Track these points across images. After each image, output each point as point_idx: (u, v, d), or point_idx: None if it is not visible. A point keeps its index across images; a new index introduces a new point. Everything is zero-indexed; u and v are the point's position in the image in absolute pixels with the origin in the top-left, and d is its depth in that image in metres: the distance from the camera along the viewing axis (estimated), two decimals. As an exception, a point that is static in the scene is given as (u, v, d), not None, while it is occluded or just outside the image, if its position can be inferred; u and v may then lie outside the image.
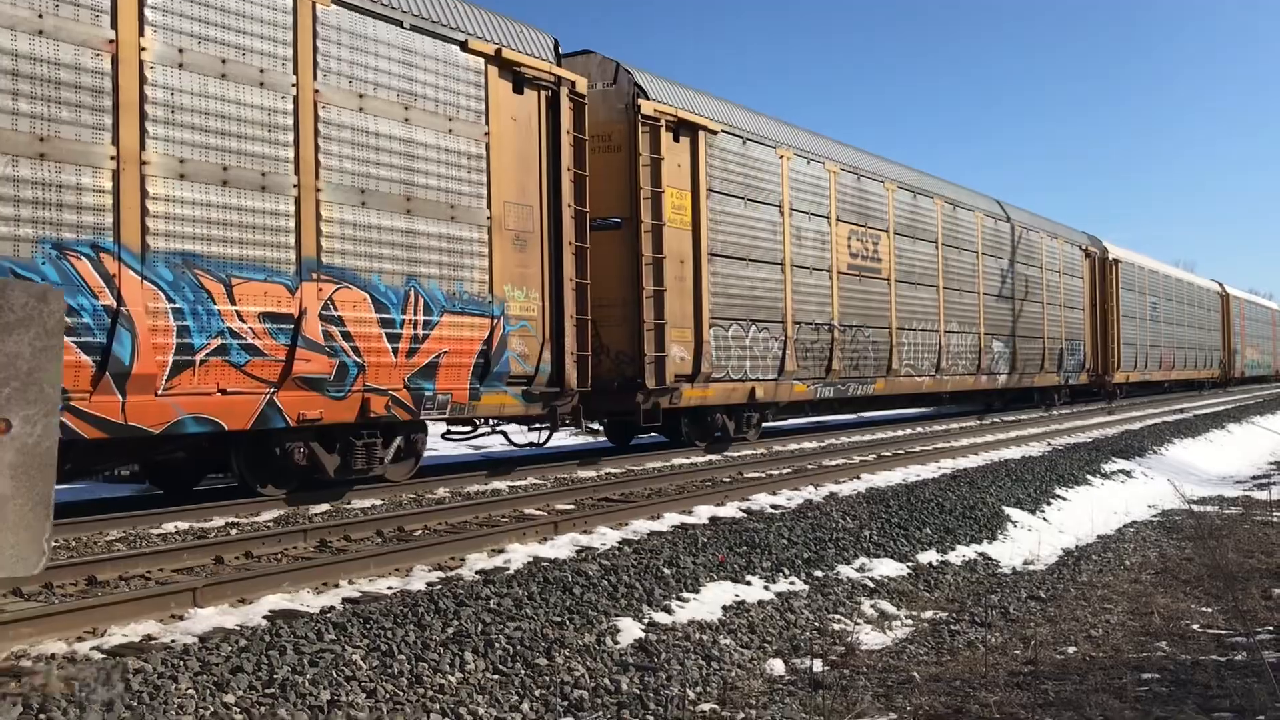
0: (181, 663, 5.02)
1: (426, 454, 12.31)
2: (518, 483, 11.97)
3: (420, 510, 9.59)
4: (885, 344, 19.20)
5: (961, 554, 9.87)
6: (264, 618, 5.91)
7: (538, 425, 12.96)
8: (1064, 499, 13.05)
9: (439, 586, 6.66)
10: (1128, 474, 15.86)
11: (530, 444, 13.31)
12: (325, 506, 10.06)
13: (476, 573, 7.12)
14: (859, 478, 12.78)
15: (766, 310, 16.00)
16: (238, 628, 5.68)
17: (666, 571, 7.45)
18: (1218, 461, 20.23)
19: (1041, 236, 27.29)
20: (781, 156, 16.69)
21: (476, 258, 11.22)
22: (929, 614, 7.98)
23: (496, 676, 5.51)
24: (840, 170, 18.31)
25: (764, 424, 16.98)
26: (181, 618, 5.95)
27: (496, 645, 5.76)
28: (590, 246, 12.73)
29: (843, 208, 18.22)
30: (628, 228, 13.86)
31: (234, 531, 8.75)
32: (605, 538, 8.45)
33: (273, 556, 7.81)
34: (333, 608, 6.18)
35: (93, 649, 5.34)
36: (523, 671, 5.60)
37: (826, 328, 17.38)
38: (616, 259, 13.73)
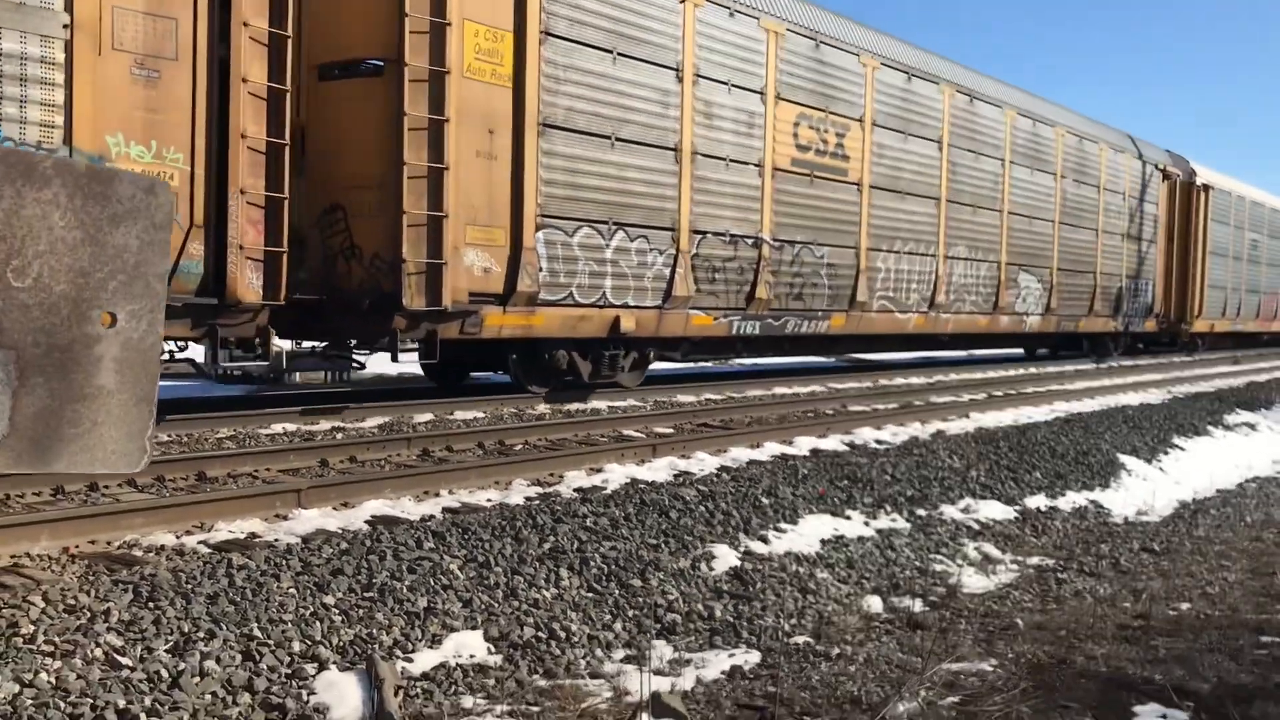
0: (284, 561, 5.11)
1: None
2: (617, 403, 11.95)
3: (521, 425, 9.63)
4: (849, 268, 15.01)
5: (1072, 500, 9.55)
6: (365, 522, 6.00)
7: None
8: (1182, 449, 12.54)
9: (537, 502, 6.67)
10: (1252, 427, 15.18)
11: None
12: (429, 416, 10.17)
13: (574, 490, 7.11)
14: (968, 416, 12.46)
15: (645, 212, 11.86)
16: (340, 530, 5.76)
17: (765, 501, 7.35)
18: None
19: (1102, 148, 22.37)
20: (682, 0, 12.16)
21: (39, 85, 7.50)
22: (1035, 560, 7.75)
23: (591, 595, 5.50)
24: (787, 31, 13.75)
25: (650, 365, 13.25)
26: (286, 517, 6.06)
27: (592, 564, 5.74)
28: (338, 101, 9.81)
29: (788, 83, 13.82)
30: (391, 75, 9.65)
31: (339, 436, 8.90)
32: (704, 463, 8.37)
33: (376, 463, 7.92)
34: (433, 516, 6.24)
35: (200, 543, 5.48)
36: (617, 591, 5.57)
37: (750, 241, 13.26)
38: (374, 121, 9.71)
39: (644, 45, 11.78)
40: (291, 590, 4.84)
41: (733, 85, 12.96)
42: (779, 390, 14.29)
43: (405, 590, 5.02)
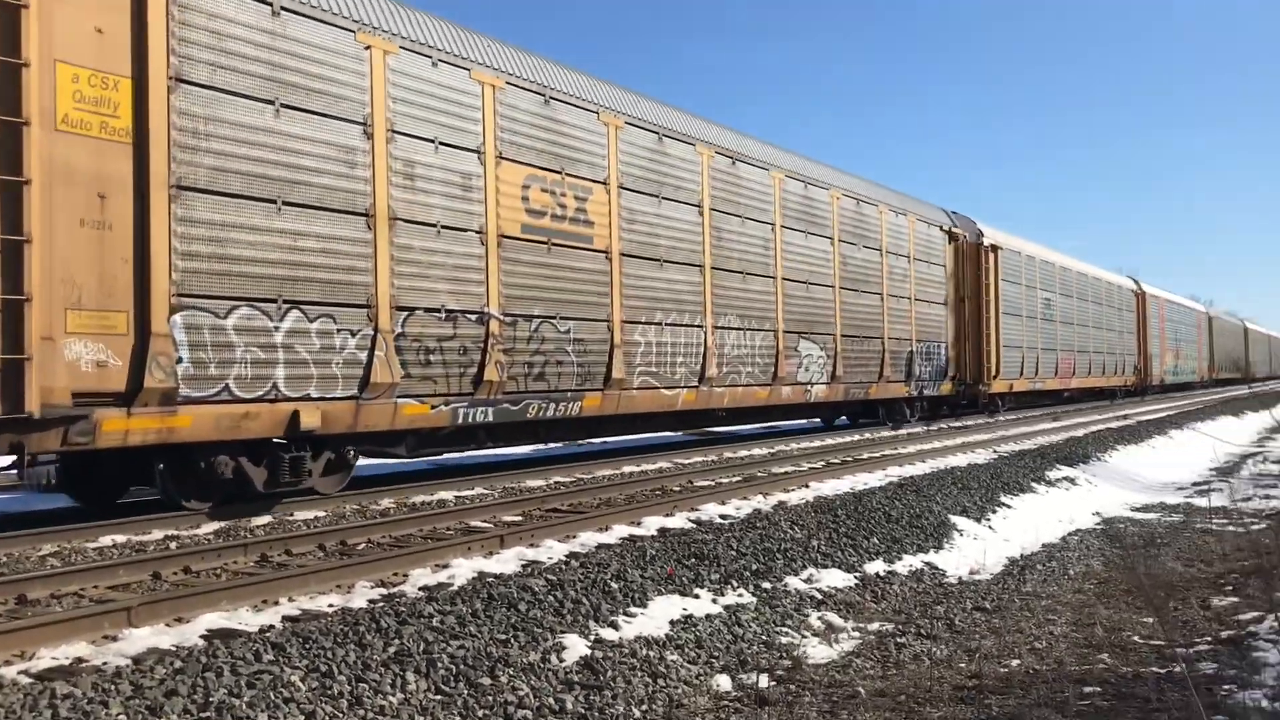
0: (113, 686, 4.90)
1: (376, 461, 12.17)
2: (464, 493, 11.85)
3: (364, 523, 9.45)
4: (602, 343, 13.81)
5: (909, 564, 9.92)
6: (201, 637, 5.79)
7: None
8: (1009, 507, 13.18)
9: (381, 604, 6.56)
10: (1072, 481, 16.06)
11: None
12: (267, 519, 9.90)
13: (420, 589, 7.02)
14: (808, 486, 12.80)
15: (328, 286, 10.27)
16: (173, 648, 5.55)
17: (614, 586, 7.40)
18: (1160, 468, 20.53)
19: (881, 210, 21.83)
20: (368, 47, 10.78)
21: None
22: (875, 625, 8.00)
23: (439, 697, 5.43)
24: (507, 84, 12.50)
25: (356, 465, 11.42)
26: (115, 638, 5.80)
27: (439, 664, 5.68)
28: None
29: (513, 141, 12.55)
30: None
31: (173, 545, 8.58)
32: (552, 551, 8.38)
33: (212, 572, 7.66)
34: (272, 626, 6.07)
35: (20, 673, 5.19)
36: (465, 691, 5.52)
37: (474, 317, 11.86)
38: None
39: (318, 96, 10.26)
40: (121, 717, 4.64)
41: (441, 143, 11.53)
42: (628, 469, 14.41)
43: (244, 707, 4.87)
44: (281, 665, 5.34)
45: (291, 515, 10.14)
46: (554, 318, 13.05)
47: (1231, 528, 12.81)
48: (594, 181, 13.86)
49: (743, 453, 16.95)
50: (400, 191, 11.07)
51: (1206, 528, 13.02)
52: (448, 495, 11.64)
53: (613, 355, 13.95)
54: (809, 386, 18.82)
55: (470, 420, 11.85)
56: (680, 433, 20.62)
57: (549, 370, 12.97)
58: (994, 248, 27.01)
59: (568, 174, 13.43)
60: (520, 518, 10.12)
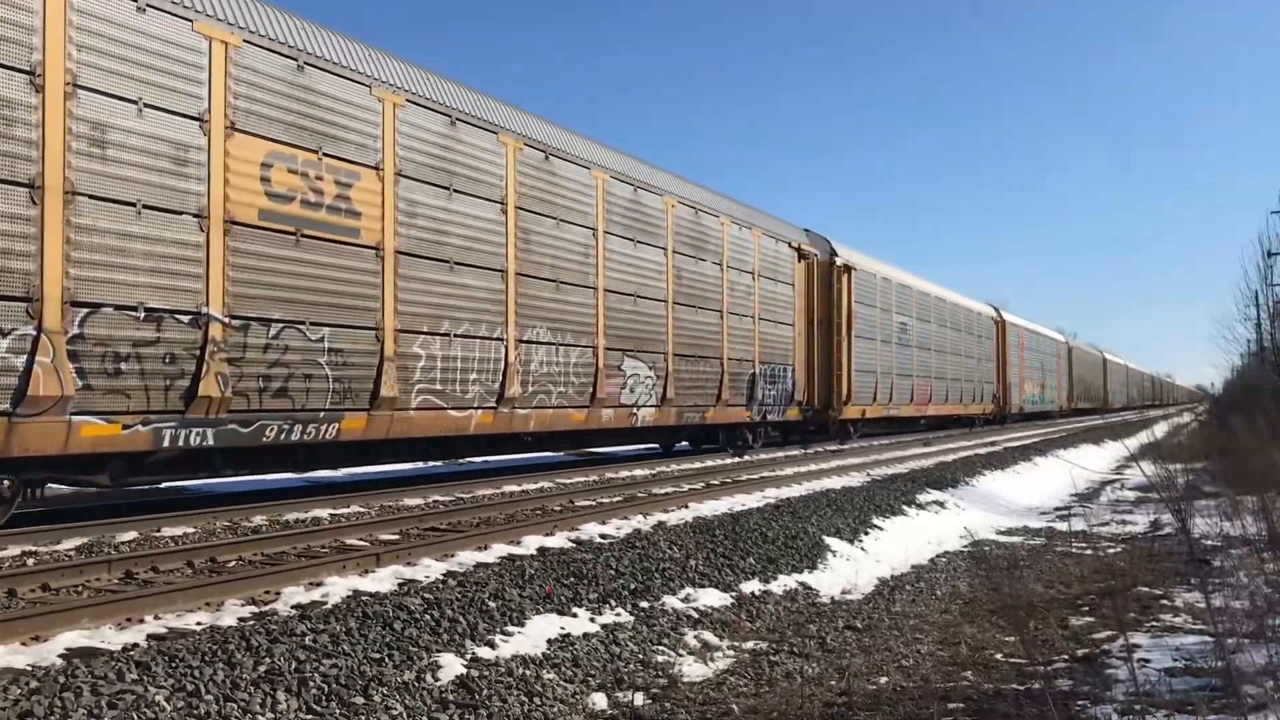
0: (-38, 709, 4.69)
1: (248, 477, 11.86)
2: (341, 511, 11.65)
3: (235, 540, 9.22)
4: (368, 355, 11.86)
5: (783, 583, 10.10)
6: (59, 656, 5.58)
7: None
8: (881, 529, 13.52)
9: (252, 622, 6.41)
10: (941, 505, 16.55)
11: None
12: (133, 534, 9.57)
13: (292, 607, 6.88)
14: (687, 506, 12.93)
15: None
16: (29, 668, 5.34)
17: (491, 605, 7.37)
18: (1025, 493, 21.32)
19: (724, 222, 20.31)
20: None
21: None
22: (750, 644, 8.13)
23: (310, 716, 5.34)
24: (244, 43, 10.65)
25: (16, 500, 9.40)
26: (-35, 658, 5.55)
27: (311, 684, 5.58)
28: None
29: (249, 109, 10.70)
30: None
31: (30, 562, 8.23)
32: (430, 570, 8.30)
33: (73, 589, 7.38)
34: (136, 645, 5.88)
35: None
36: (338, 711, 5.44)
37: (186, 318, 9.97)
38: None
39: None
40: (-29, 740, 4.45)
41: (147, 105, 9.62)
42: (509, 489, 14.34)
43: (105, 729, 4.71)
44: (146, 685, 5.18)
45: (159, 532, 9.83)
46: (302, 323, 11.04)
47: (1090, 551, 13.38)
48: (362, 165, 11.92)
49: (624, 473, 17.02)
50: (84, 160, 9.09)
51: (1066, 551, 13.57)
52: (323, 513, 11.42)
53: (382, 369, 11.95)
54: (635, 409, 17.06)
55: (183, 443, 9.91)
56: (564, 453, 20.64)
57: (294, 385, 10.96)
58: (848, 268, 26.03)
59: (326, 154, 11.47)
60: (397, 536, 10.00)
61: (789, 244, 23.70)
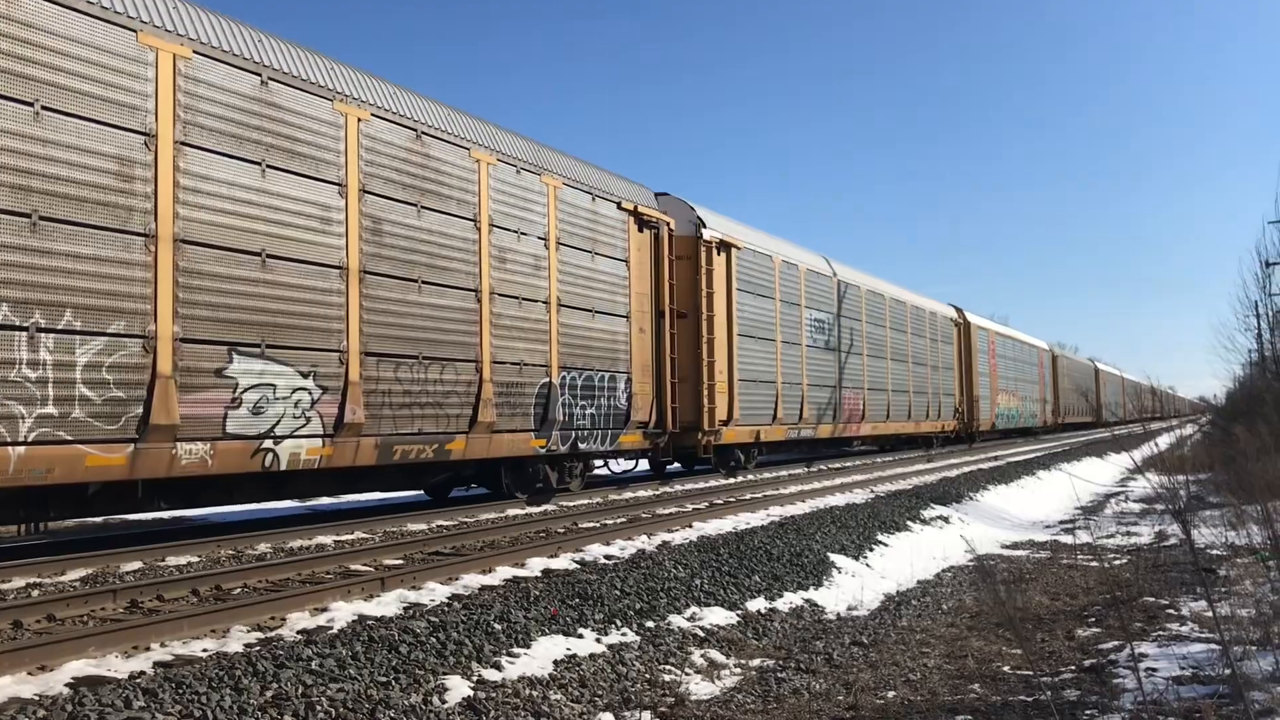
0: (-30, 738, 4.69)
1: (237, 508, 11.87)
2: (344, 537, 11.65)
3: (240, 568, 9.23)
4: None
5: (789, 601, 10.09)
6: (66, 685, 5.58)
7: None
8: (886, 545, 13.50)
9: (258, 648, 6.42)
10: (946, 520, 16.53)
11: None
12: (138, 564, 9.58)
13: (298, 632, 6.88)
14: (691, 526, 12.93)
15: None
16: (36, 697, 5.34)
17: (497, 627, 7.37)
18: (1029, 507, 21.31)
19: (484, 160, 13.93)
20: None
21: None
22: (757, 662, 8.12)
23: (317, 741, 5.33)
24: None
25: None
26: (-28, 689, 5.55)
27: (318, 708, 5.58)
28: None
29: None
30: None
31: (35, 593, 8.24)
32: (434, 593, 8.30)
33: (79, 619, 7.38)
34: (143, 672, 5.88)
35: None
36: (345, 734, 5.43)
37: None
38: None
39: None
40: (-20, 769, 4.45)
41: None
42: (512, 512, 14.34)
43: (112, 756, 4.71)
44: (154, 711, 5.18)
45: (163, 561, 9.83)
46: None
47: (1095, 563, 13.35)
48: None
49: (628, 494, 17.01)
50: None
51: (1072, 563, 13.55)
52: (326, 539, 11.43)
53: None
54: (269, 442, 10.64)
55: None
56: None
57: None
58: (726, 245, 20.18)
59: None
60: (402, 560, 10.00)
61: (617, 204, 17.01)
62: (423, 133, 13.03)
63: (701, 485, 18.16)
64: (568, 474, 16.22)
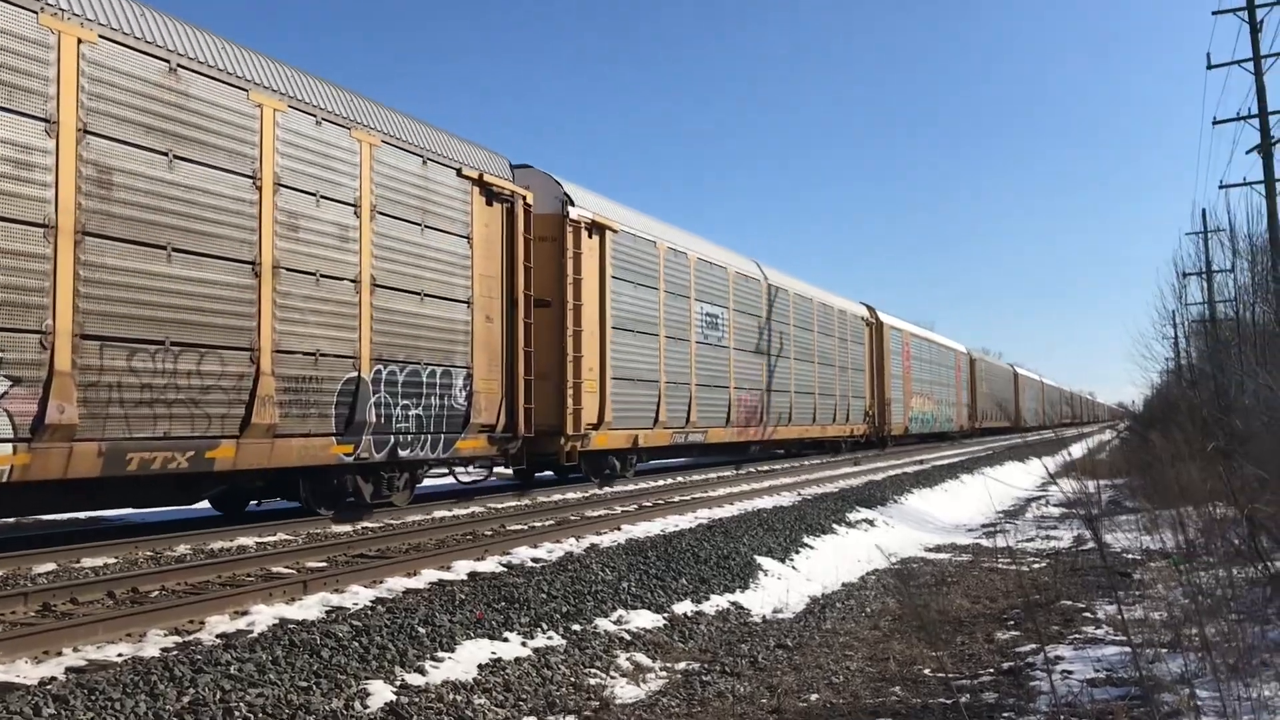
0: None
1: (159, 508, 11.63)
2: (266, 539, 11.47)
3: (158, 570, 9.04)
4: None
5: (716, 604, 10.14)
6: (-29, 693, 5.42)
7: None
8: (812, 548, 13.63)
9: (175, 652, 6.29)
10: (870, 523, 16.74)
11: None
12: (51, 566, 9.33)
13: (217, 636, 6.77)
14: (620, 528, 12.94)
15: None
16: (-61, 705, 5.18)
17: (421, 631, 7.31)
18: (952, 511, 21.65)
19: (267, 105, 11.43)
20: None
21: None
22: (683, 665, 8.14)
23: (235, 748, 5.24)
24: None
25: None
26: (-128, 696, 5.36)
27: (236, 714, 5.48)
28: None
29: None
30: None
31: (-58, 596, 7.98)
32: (358, 596, 8.21)
33: (-14, 623, 7.17)
34: (54, 678, 5.74)
35: None
36: (263, 741, 5.34)
37: None
38: None
39: None
40: (-122, 780, 4.30)
41: None
42: (439, 514, 14.23)
43: (20, 765, 4.58)
44: (64, 718, 5.05)
45: (79, 562, 9.60)
46: None
47: (1015, 567, 13.61)
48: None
49: (556, 496, 16.97)
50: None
51: (992, 567, 13.80)
52: (248, 541, 11.24)
53: None
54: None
55: None
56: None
57: None
58: (598, 227, 18.00)
59: None
60: (325, 563, 9.88)
61: (457, 171, 14.61)
62: (179, 66, 10.43)
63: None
64: (387, 486, 13.68)
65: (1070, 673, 7.58)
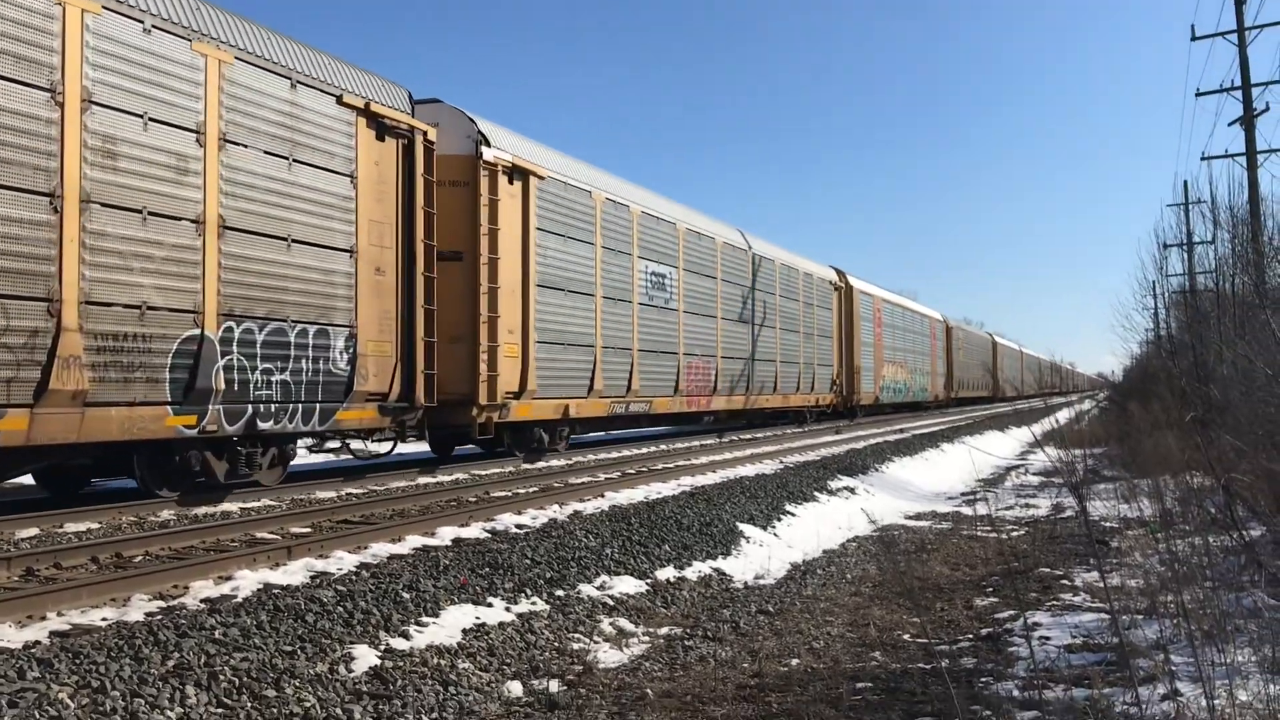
0: None
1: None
2: (250, 504, 11.46)
3: (141, 535, 9.03)
4: None
5: (698, 570, 10.21)
6: (-45, 656, 5.42)
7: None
8: (793, 515, 13.73)
9: (159, 617, 6.31)
10: (852, 490, 16.86)
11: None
12: (34, 530, 9.32)
13: (201, 601, 6.79)
14: (603, 495, 12.98)
15: None
16: (-76, 668, 5.18)
17: (405, 596, 7.34)
18: (933, 479, 21.81)
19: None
20: None
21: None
22: (665, 630, 8.21)
23: (220, 710, 5.28)
24: None
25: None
26: None
27: (221, 677, 5.51)
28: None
29: None
30: None
31: (-76, 560, 7.97)
32: (342, 562, 8.23)
33: (-31, 587, 7.16)
34: (38, 642, 5.75)
35: None
36: (249, 704, 5.38)
37: None
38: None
39: None
40: None
41: None
42: (423, 480, 14.24)
43: (6, 728, 4.60)
44: (49, 682, 5.07)
45: (62, 528, 9.58)
46: None
47: (994, 535, 13.75)
48: None
49: (540, 464, 17.01)
50: None
51: (972, 534, 13.93)
52: (232, 507, 11.23)
53: None
54: None
55: None
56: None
57: None
58: (520, 172, 15.98)
59: None
60: (309, 529, 9.89)
61: (336, 98, 12.51)
62: None
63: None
64: (246, 463, 11.59)
65: (1048, 638, 7.69)
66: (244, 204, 11.12)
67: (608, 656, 7.37)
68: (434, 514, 10.79)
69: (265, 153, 11.42)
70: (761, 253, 27.57)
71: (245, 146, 11.17)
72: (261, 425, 11.29)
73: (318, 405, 12.13)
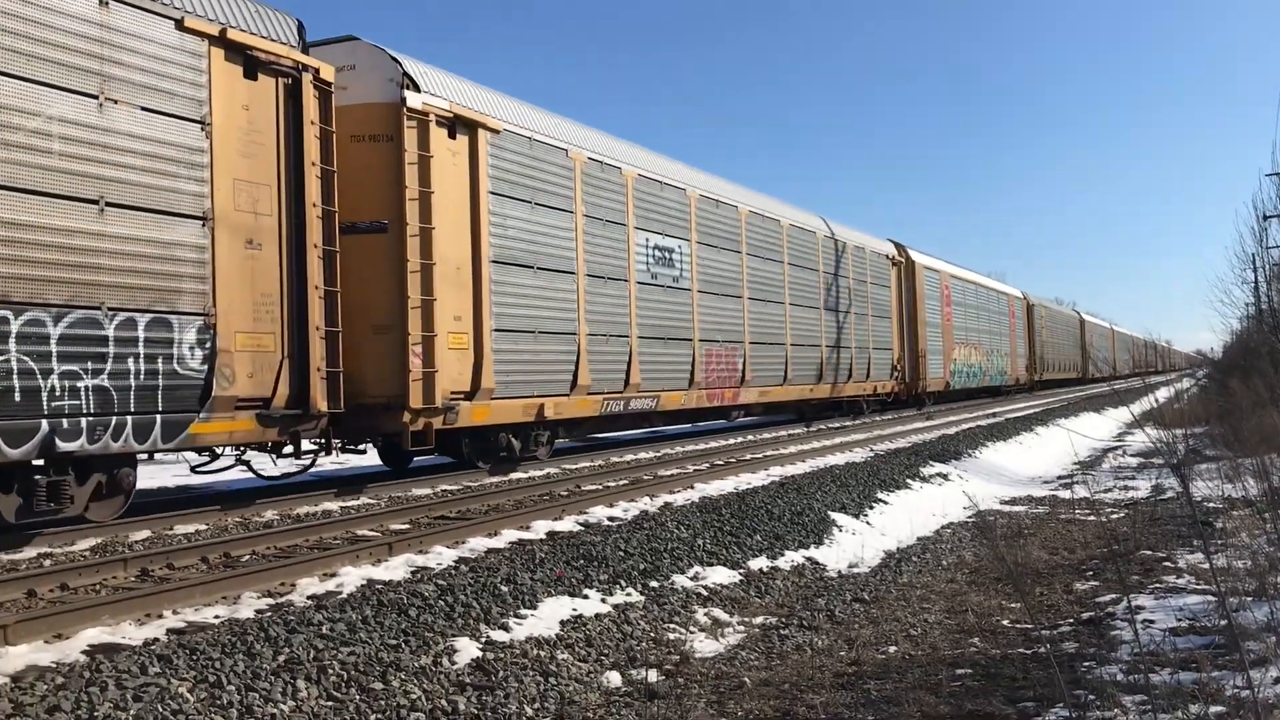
0: (-9, 705, 4.78)
1: (241, 476, 11.95)
2: (350, 503, 11.74)
3: (247, 535, 9.33)
4: None
5: (791, 559, 10.20)
6: (82, 653, 5.69)
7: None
8: (886, 502, 13.62)
9: (269, 614, 6.52)
10: (945, 477, 16.66)
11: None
12: (146, 533, 9.68)
13: (308, 598, 6.99)
14: (693, 487, 13.03)
15: None
16: (54, 664, 5.45)
17: (504, 589, 7.48)
18: (1027, 463, 21.44)
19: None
20: None
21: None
22: (760, 619, 8.24)
23: (330, 703, 5.44)
24: None
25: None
26: (-10, 657, 5.64)
27: (330, 671, 5.68)
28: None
29: None
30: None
31: (48, 563, 8.32)
32: (441, 557, 8.41)
33: (90, 588, 7.48)
34: (157, 639, 5.99)
35: (-109, 695, 5.03)
36: (357, 697, 5.54)
37: None
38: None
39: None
40: (3, 735, 4.55)
41: None
42: (515, 476, 14.43)
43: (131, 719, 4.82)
44: (169, 677, 5.29)
45: (171, 529, 9.93)
46: None
47: (1092, 518, 13.48)
48: None
49: (629, 457, 17.11)
50: None
51: (1070, 518, 13.68)
52: (333, 506, 11.52)
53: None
54: None
55: None
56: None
57: None
58: (464, 123, 12.94)
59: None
60: (408, 525, 10.11)
61: (176, 20, 9.49)
62: None
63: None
64: (49, 496, 8.63)
65: (1152, 622, 7.54)
66: (24, 155, 8.15)
67: (704, 646, 7.42)
68: (527, 508, 10.94)
69: (59, 88, 8.46)
70: (797, 222, 23.41)
71: (25, 80, 8.20)
72: (65, 446, 8.33)
73: (158, 417, 9.14)
